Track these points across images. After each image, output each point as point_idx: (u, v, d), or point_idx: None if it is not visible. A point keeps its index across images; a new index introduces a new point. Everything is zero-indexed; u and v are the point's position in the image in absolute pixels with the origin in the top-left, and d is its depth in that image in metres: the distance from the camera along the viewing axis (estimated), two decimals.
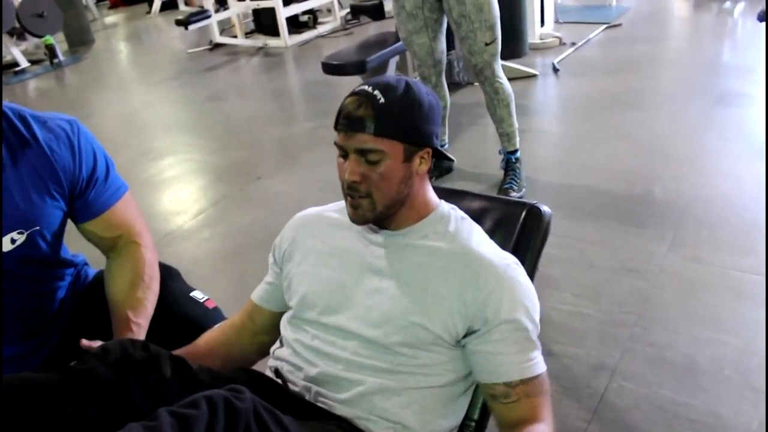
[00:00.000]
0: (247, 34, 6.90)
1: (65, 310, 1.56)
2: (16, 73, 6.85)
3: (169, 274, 1.64)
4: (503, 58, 4.49)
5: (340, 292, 1.23)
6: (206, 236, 3.08)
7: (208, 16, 6.17)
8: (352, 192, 1.19)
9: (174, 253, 2.85)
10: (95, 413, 1.01)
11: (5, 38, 6.93)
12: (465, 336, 1.16)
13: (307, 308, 1.27)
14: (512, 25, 4.64)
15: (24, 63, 6.95)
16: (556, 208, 1.54)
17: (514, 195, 2.78)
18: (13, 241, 1.34)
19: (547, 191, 2.97)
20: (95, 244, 1.51)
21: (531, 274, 1.44)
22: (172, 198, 3.57)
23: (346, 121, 1.16)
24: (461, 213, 1.31)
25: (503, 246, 1.44)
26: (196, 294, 1.63)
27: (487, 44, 2.71)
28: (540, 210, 1.49)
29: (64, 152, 1.38)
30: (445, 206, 1.30)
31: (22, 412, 0.98)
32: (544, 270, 2.30)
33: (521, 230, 1.47)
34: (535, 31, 5.00)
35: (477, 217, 1.50)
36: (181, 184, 3.72)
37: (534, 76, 4.41)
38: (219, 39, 6.64)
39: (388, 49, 3.67)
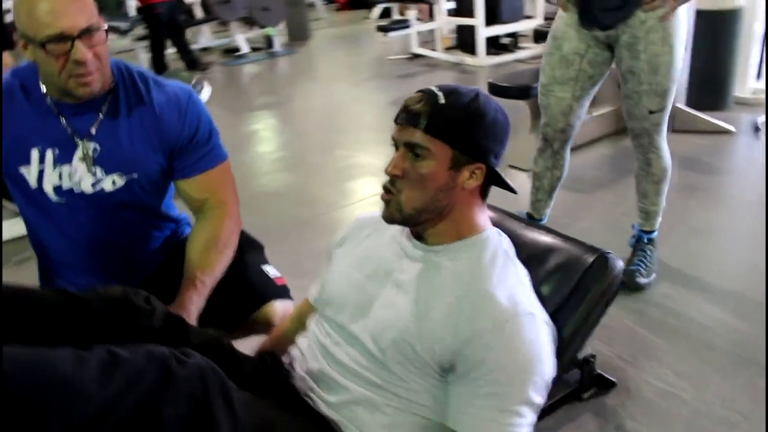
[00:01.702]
0: (449, 49, 7.02)
1: (154, 259, 1.71)
2: (237, 57, 7.60)
3: (250, 245, 1.74)
4: (698, 107, 4.15)
5: (361, 298, 1.22)
6: None
7: (408, 26, 6.37)
8: (388, 186, 1.17)
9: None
10: (77, 335, 1.07)
11: (234, 24, 7.73)
12: (451, 369, 1.09)
13: (330, 306, 1.28)
14: (714, 72, 4.22)
15: (245, 49, 7.70)
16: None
17: (642, 281, 2.37)
18: (114, 183, 1.50)
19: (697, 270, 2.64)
20: (186, 204, 1.64)
21: (580, 329, 1.31)
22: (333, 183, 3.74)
23: (403, 115, 1.16)
24: (509, 247, 1.22)
25: (557, 290, 1.33)
26: (269, 269, 1.71)
27: (651, 112, 2.19)
28: (609, 259, 1.35)
29: (172, 114, 1.52)
30: (493, 233, 1.22)
31: (16, 315, 1.06)
32: (652, 337, 2.09)
33: (583, 277, 1.34)
34: (745, 84, 4.49)
35: (541, 253, 1.40)
36: (343, 178, 3.86)
37: (728, 132, 3.95)
38: (417, 50, 6.83)
39: None
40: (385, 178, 1.18)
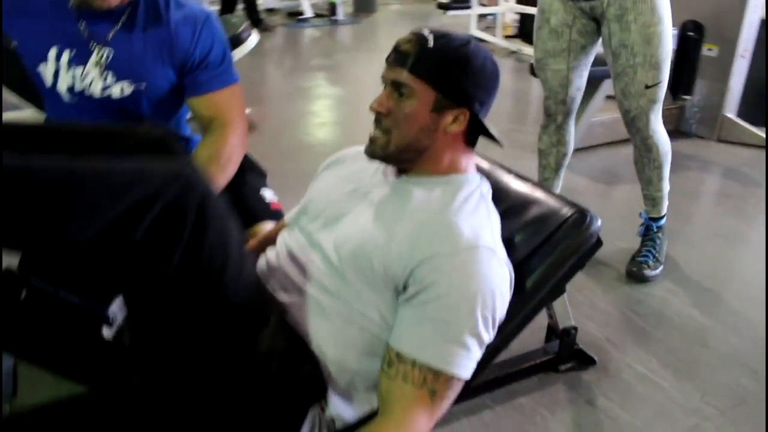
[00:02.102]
0: (509, 37, 6.93)
1: None
2: (300, 20, 7.68)
3: (252, 169, 1.80)
4: (748, 119, 4.01)
5: (334, 211, 1.27)
6: None
7: (468, 7, 6.32)
8: (377, 123, 1.21)
9: None
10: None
11: None
12: (403, 289, 1.11)
13: (305, 215, 1.34)
14: (766, 83, 4.05)
15: (309, 13, 7.76)
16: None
17: (648, 273, 2.34)
18: (122, 90, 1.57)
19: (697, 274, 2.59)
20: (197, 121, 1.70)
21: (547, 279, 1.32)
22: None
23: (393, 54, 1.19)
24: (487, 192, 1.25)
25: (530, 238, 1.35)
26: (267, 192, 1.76)
27: (647, 87, 2.14)
28: (586, 215, 1.35)
29: (187, 32, 1.58)
30: (474, 178, 1.24)
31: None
32: (646, 327, 2.06)
33: (557, 229, 1.35)
34: None
35: (522, 204, 1.41)
36: None
37: None
38: (476, 32, 6.77)
39: (598, 68, 3.45)
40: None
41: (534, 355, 1.85)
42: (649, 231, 2.45)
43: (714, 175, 3.55)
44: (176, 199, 0.93)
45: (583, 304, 2.13)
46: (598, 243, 1.36)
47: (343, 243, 1.18)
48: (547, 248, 1.33)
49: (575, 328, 1.82)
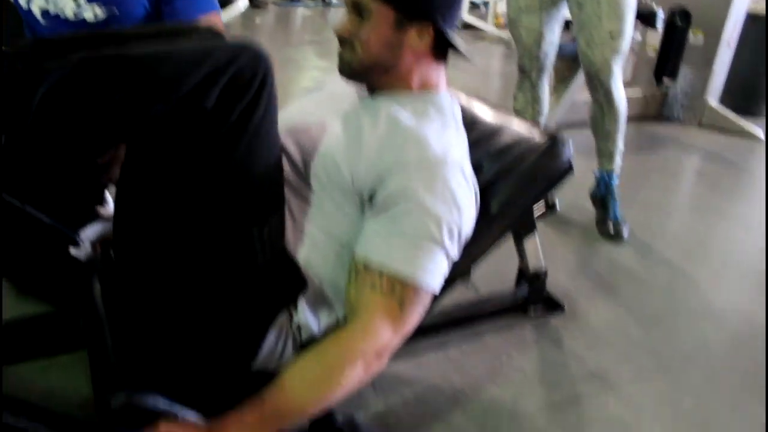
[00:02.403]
0: (500, 28, 6.97)
1: None
2: (292, 0, 7.67)
3: None
4: (730, 106, 4.04)
5: (303, 117, 1.27)
6: None
7: None
8: (342, 45, 1.22)
9: None
10: None
11: None
12: (369, 200, 1.12)
13: (285, 119, 1.31)
14: (754, 77, 4.11)
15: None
16: None
17: (626, 232, 2.37)
18: (95, 15, 1.55)
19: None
20: None
21: (514, 200, 1.33)
22: None
23: None
24: (458, 113, 1.25)
25: (499, 161, 1.35)
26: None
27: (612, 36, 2.16)
28: (557, 140, 1.36)
29: None
30: (445, 97, 1.25)
31: None
32: (616, 280, 2.11)
33: (526, 152, 1.36)
34: None
35: (494, 130, 1.42)
36: None
37: (755, 138, 3.86)
38: (467, 17, 6.80)
39: None
40: None
41: (503, 297, 1.87)
42: (609, 187, 2.45)
43: (693, 156, 3.60)
44: (247, 65, 0.97)
45: (556, 259, 2.14)
46: (569, 169, 1.38)
47: (310, 147, 1.18)
48: (516, 171, 1.34)
49: (545, 272, 1.84)
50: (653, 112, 4.11)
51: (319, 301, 1.18)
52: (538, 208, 1.79)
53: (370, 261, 1.08)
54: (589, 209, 2.51)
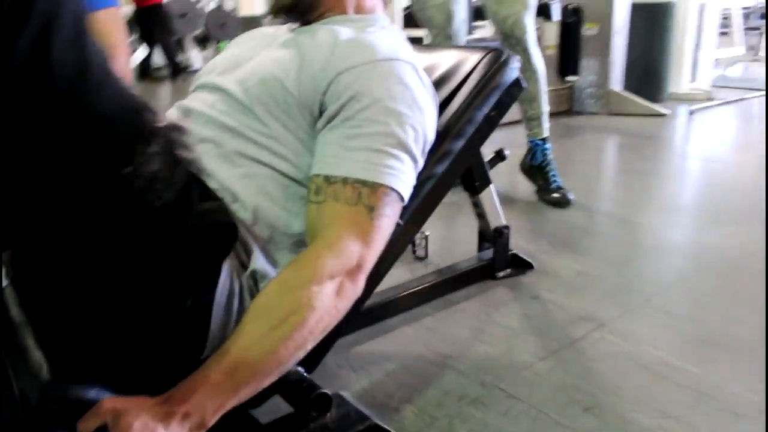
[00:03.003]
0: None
1: None
2: (189, 72, 7.57)
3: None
4: (633, 90, 4.18)
5: (236, 60, 1.13)
6: None
7: None
8: None
9: None
10: None
11: (191, 42, 7.71)
12: (319, 116, 0.99)
13: (203, 75, 1.17)
14: (649, 65, 4.29)
15: (197, 65, 7.67)
16: None
17: (571, 195, 2.32)
18: None
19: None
20: None
21: (465, 112, 1.23)
22: None
23: None
24: (398, 32, 1.15)
25: (449, 82, 1.25)
26: None
27: None
28: (499, 51, 1.28)
29: None
30: (383, 19, 1.15)
31: None
32: (574, 237, 2.02)
33: (473, 68, 1.27)
34: (680, 82, 4.58)
35: (440, 59, 1.33)
36: None
37: (662, 115, 3.99)
38: None
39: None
40: None
41: (467, 263, 1.74)
42: (545, 153, 2.40)
43: (611, 136, 3.68)
44: None
45: (512, 229, 2.05)
46: (519, 82, 1.29)
47: (250, 77, 1.04)
48: (467, 86, 1.24)
49: (507, 227, 1.73)
50: (564, 107, 4.20)
51: (274, 250, 1.01)
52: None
53: (330, 174, 0.94)
54: (526, 184, 2.46)
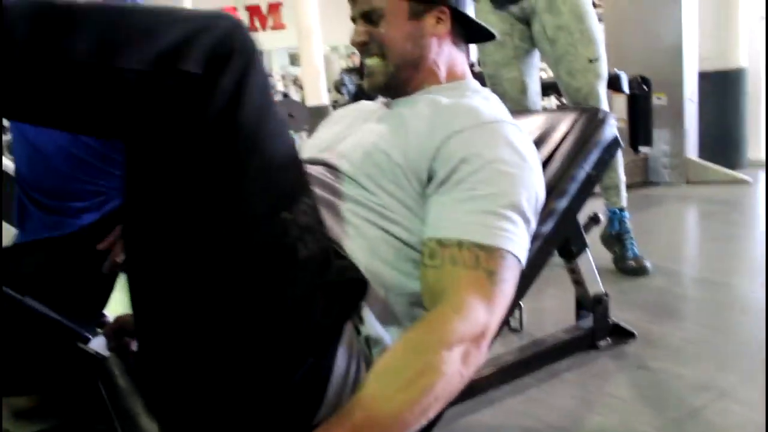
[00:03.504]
0: None
1: None
2: None
3: None
4: (709, 158, 4.08)
5: (335, 137, 1.16)
6: None
7: None
8: (364, 55, 1.14)
9: None
10: None
11: None
12: (428, 181, 0.99)
13: (304, 152, 1.19)
14: (724, 132, 4.21)
15: None
16: None
17: (648, 264, 2.25)
18: None
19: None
20: None
21: (568, 170, 1.21)
22: None
23: None
24: (493, 96, 1.17)
25: (547, 142, 1.25)
26: None
27: (590, 61, 2.18)
28: (598, 111, 1.28)
29: None
30: (474, 83, 1.17)
31: None
32: (671, 303, 1.93)
33: (571, 127, 1.26)
34: (759, 149, 4.45)
35: (533, 123, 1.33)
36: None
37: (744, 182, 3.86)
38: None
39: None
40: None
41: (567, 332, 1.67)
42: (622, 223, 2.35)
43: (691, 205, 3.59)
44: (232, 31, 0.80)
45: None
46: (618, 140, 1.28)
47: (353, 150, 1.06)
48: (566, 145, 1.24)
49: (606, 294, 1.67)
50: (640, 179, 4.12)
51: (387, 313, 1.00)
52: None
53: (444, 236, 0.93)
54: (605, 253, 2.39)
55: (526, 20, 2.28)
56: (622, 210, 2.36)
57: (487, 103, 1.09)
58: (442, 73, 1.15)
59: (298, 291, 0.86)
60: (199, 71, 0.76)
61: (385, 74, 1.12)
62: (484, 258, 0.91)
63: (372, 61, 1.13)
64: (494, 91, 2.37)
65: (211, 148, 0.79)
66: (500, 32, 2.23)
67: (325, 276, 0.87)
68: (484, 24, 1.16)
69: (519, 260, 0.95)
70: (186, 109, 0.77)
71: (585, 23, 2.18)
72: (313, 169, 1.09)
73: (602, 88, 2.23)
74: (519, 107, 2.34)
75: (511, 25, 2.28)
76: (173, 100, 0.77)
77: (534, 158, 1.01)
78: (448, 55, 1.15)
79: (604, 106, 2.23)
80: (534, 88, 2.37)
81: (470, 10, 1.16)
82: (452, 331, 0.86)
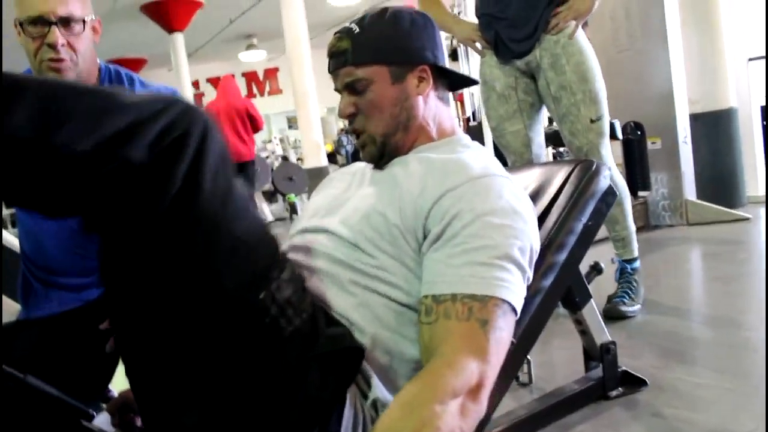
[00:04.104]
0: None
1: None
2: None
3: None
4: (708, 198, 4.09)
5: (333, 203, 1.18)
6: None
7: None
8: (354, 131, 1.18)
9: None
10: None
11: (258, 197, 8.10)
12: (424, 238, 1.01)
13: (305, 218, 1.22)
14: (720, 172, 4.24)
15: (269, 218, 8.00)
16: None
17: (624, 308, 2.23)
18: None
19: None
20: None
21: (565, 223, 1.22)
22: None
23: (330, 61, 1.17)
24: (483, 149, 1.20)
25: (543, 196, 1.27)
26: None
27: (592, 121, 2.22)
28: (591, 162, 1.30)
29: None
30: (464, 138, 1.20)
31: None
32: (681, 347, 1.90)
33: (565, 181, 1.28)
34: (757, 185, 4.48)
35: (528, 176, 1.35)
36: None
37: (743, 220, 3.86)
38: None
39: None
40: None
41: (576, 383, 1.65)
42: (624, 273, 2.37)
43: (696, 246, 3.58)
44: (180, 119, 0.80)
45: None
46: (613, 189, 1.29)
47: (352, 215, 1.08)
48: (562, 198, 1.25)
49: (613, 343, 1.65)
50: (641, 223, 4.12)
51: (393, 377, 1.00)
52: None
53: (439, 292, 0.95)
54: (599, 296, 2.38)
55: (531, 74, 2.32)
56: (628, 261, 2.37)
57: (478, 157, 1.11)
58: (433, 130, 1.18)
59: (288, 367, 0.86)
60: (142, 159, 0.75)
61: (375, 144, 1.15)
62: (477, 308, 0.92)
63: (364, 136, 1.16)
64: (498, 143, 2.44)
65: (172, 235, 0.79)
66: (505, 86, 2.33)
67: (315, 348, 0.87)
68: (465, 74, 1.19)
69: (513, 307, 0.96)
70: (133, 196, 0.77)
71: (588, 83, 2.21)
72: (313, 239, 1.10)
73: (604, 145, 2.28)
74: (522, 160, 2.37)
75: (516, 79, 2.32)
76: (115, 186, 0.76)
77: (526, 209, 1.03)
78: (435, 111, 1.18)
79: (608, 161, 2.26)
80: (538, 141, 2.39)
81: (446, 61, 1.19)
82: (445, 386, 0.86)
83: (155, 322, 0.84)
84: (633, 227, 2.38)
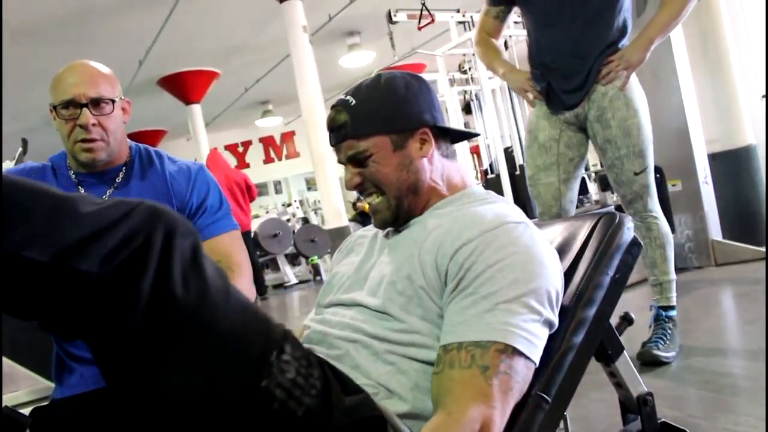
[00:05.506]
0: None
1: None
2: (286, 287, 7.91)
3: None
4: (734, 237, 4.04)
5: (357, 274, 1.20)
6: None
7: None
8: (363, 195, 1.20)
9: None
10: None
11: (281, 260, 8.14)
12: (442, 298, 1.03)
13: (327, 293, 1.24)
14: (743, 209, 4.20)
15: (293, 280, 8.03)
16: None
17: (658, 353, 2.20)
18: None
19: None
20: None
21: (592, 278, 1.22)
22: None
23: (331, 135, 1.19)
24: (498, 197, 1.21)
25: (567, 253, 1.27)
26: None
27: (636, 174, 2.27)
28: (613, 214, 1.30)
29: (181, 180, 1.63)
30: (478, 189, 1.22)
31: None
32: (721, 395, 1.86)
33: (589, 235, 1.28)
34: None
35: (550, 233, 1.36)
36: None
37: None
38: None
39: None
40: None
41: None
42: (659, 320, 2.34)
43: (725, 286, 3.53)
44: (139, 227, 0.77)
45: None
46: (638, 240, 1.29)
47: (378, 284, 1.10)
48: (588, 252, 1.25)
49: (650, 394, 1.61)
50: None
51: None
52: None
53: (447, 342, 0.96)
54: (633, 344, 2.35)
55: (579, 126, 2.36)
56: (665, 309, 2.35)
57: (492, 207, 1.12)
58: (443, 188, 1.20)
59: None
60: (98, 272, 0.73)
61: (389, 208, 1.17)
62: (479, 355, 0.93)
63: (373, 200, 1.18)
64: (530, 192, 2.47)
65: (155, 350, 0.77)
66: (548, 137, 2.37)
67: (331, 422, 0.87)
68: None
69: (520, 351, 0.94)
70: (98, 311, 0.75)
71: (632, 138, 2.25)
72: (345, 313, 1.12)
73: (649, 195, 2.32)
74: (549, 212, 2.39)
75: (561, 132, 2.36)
76: (74, 298, 0.74)
77: (542, 252, 1.03)
78: (442, 169, 1.20)
79: (653, 209, 2.32)
80: (569, 196, 2.40)
81: (445, 119, 1.21)
82: None
83: (161, 427, 0.84)
84: (673, 275, 2.36)
